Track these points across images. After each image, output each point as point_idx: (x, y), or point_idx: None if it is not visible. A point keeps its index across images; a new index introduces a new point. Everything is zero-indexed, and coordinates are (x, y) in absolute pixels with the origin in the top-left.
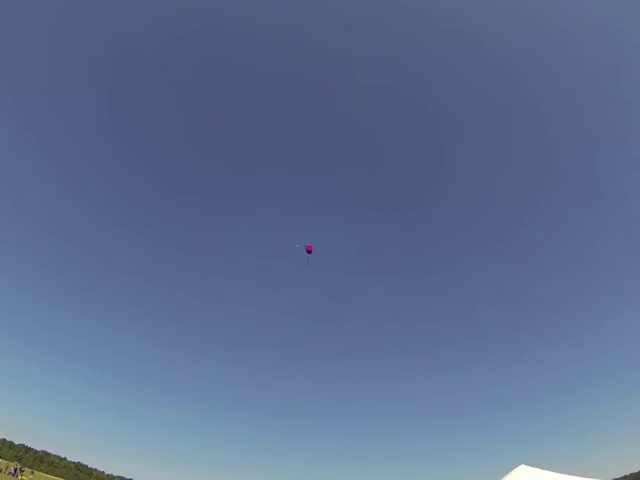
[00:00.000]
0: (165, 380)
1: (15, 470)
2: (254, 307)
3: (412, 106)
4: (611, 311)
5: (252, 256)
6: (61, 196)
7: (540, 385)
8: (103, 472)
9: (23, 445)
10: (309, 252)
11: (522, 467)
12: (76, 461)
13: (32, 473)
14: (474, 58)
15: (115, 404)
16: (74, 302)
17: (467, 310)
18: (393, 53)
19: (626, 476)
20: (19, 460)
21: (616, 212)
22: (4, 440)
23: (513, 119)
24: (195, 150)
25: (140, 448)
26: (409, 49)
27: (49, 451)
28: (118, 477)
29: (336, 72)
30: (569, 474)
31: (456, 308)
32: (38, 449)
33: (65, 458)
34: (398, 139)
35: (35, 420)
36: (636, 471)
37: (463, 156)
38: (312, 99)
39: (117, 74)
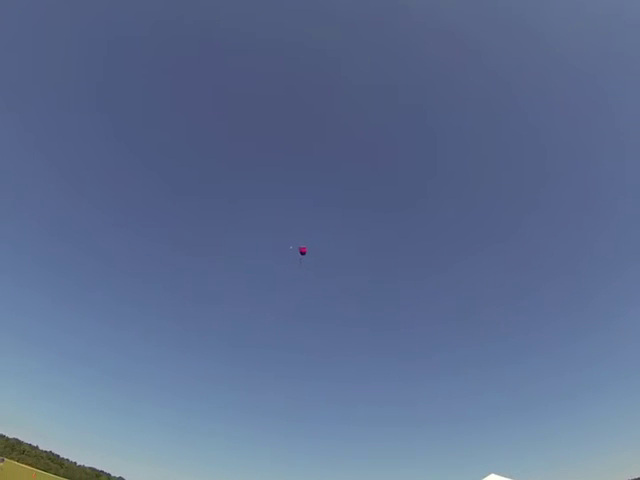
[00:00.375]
0: (159, 380)
1: None
2: (253, 309)
3: (411, 106)
4: (609, 316)
5: (253, 257)
6: (61, 196)
7: (516, 397)
8: (75, 463)
9: None
10: (303, 254)
11: (492, 476)
12: (48, 450)
13: (2, 461)
14: (473, 58)
15: (108, 401)
16: (76, 301)
17: (464, 315)
18: (393, 53)
19: None
20: None
21: (614, 215)
22: None
23: (513, 118)
24: (195, 150)
25: (126, 445)
26: (409, 49)
27: (20, 439)
28: (89, 468)
29: (336, 72)
30: None
31: (453, 311)
32: (10, 436)
33: (37, 447)
34: (397, 139)
35: (6, 407)
36: None
37: (463, 155)
38: (312, 99)
39: (117, 74)
